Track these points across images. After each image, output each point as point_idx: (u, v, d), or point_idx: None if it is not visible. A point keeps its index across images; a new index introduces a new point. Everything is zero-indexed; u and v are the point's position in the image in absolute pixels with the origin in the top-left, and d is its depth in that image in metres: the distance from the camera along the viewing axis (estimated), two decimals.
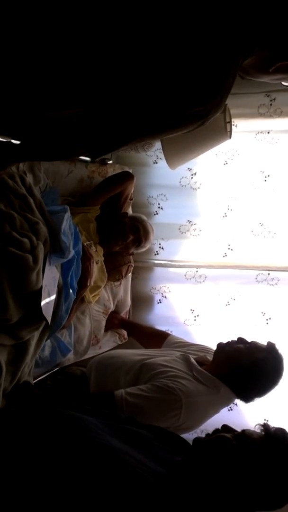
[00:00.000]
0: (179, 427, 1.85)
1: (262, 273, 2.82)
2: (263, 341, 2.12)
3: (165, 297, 2.97)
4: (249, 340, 2.11)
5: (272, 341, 2.11)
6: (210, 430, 1.43)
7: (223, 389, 1.97)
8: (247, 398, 2.08)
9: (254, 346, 2.06)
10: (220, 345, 2.10)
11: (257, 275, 2.83)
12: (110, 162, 2.66)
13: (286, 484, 1.29)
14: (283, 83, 1.18)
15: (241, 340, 2.10)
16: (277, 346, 2.09)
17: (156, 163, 2.86)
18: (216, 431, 1.40)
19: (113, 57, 1.00)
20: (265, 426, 1.35)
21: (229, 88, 1.11)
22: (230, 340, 2.12)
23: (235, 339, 2.12)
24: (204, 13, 1.02)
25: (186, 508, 1.20)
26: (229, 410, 2.82)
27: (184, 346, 2.36)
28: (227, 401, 2.08)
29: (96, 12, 0.98)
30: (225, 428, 1.40)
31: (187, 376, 1.94)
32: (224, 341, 2.13)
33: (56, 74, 1.02)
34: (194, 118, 1.10)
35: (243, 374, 1.98)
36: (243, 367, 1.98)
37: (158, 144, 2.56)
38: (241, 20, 1.05)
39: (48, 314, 1.71)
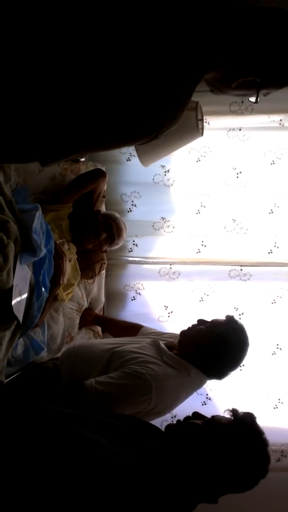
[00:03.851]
0: (151, 411, 1.87)
1: (234, 269, 2.86)
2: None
3: (139, 294, 2.98)
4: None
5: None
6: (182, 418, 1.46)
7: (193, 371, 1.99)
8: (220, 374, 2.10)
9: (213, 323, 2.09)
10: (182, 332, 2.14)
11: (230, 271, 2.86)
12: (83, 159, 2.65)
13: (255, 466, 1.34)
14: (250, 99, 1.19)
15: (201, 321, 2.13)
16: (236, 317, 2.14)
17: (129, 160, 2.86)
18: (187, 418, 1.43)
19: (68, 66, 0.98)
20: (234, 411, 1.40)
21: (185, 101, 1.09)
22: (191, 325, 2.15)
23: (195, 322, 2.15)
24: (160, 28, 1.01)
25: (159, 494, 1.22)
26: (202, 404, 2.87)
27: (157, 335, 2.38)
28: (198, 384, 2.10)
29: (56, 22, 0.97)
30: (196, 415, 1.43)
31: (156, 361, 1.95)
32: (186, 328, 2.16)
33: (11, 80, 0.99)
34: (146, 131, 1.08)
35: (209, 352, 2.00)
36: (207, 346, 2.01)
37: None
38: (200, 36, 1.05)
39: (19, 313, 1.71)
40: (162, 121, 1.07)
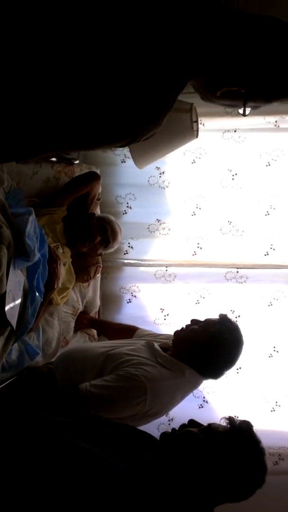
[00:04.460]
0: (147, 413, 1.86)
1: (231, 271, 2.85)
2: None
3: (135, 296, 2.97)
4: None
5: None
6: (177, 426, 1.44)
7: (188, 371, 1.99)
8: (215, 374, 2.10)
9: (207, 322, 2.08)
10: (176, 333, 2.12)
11: (226, 273, 2.85)
12: (77, 162, 2.63)
13: (252, 476, 1.32)
14: (239, 111, 1.15)
15: (194, 321, 2.12)
16: (230, 316, 2.13)
17: (124, 162, 2.84)
18: (183, 426, 1.41)
19: (44, 67, 0.95)
20: (230, 419, 1.38)
21: (168, 104, 1.07)
22: (184, 325, 2.13)
23: (189, 322, 2.13)
24: (143, 29, 0.98)
25: (155, 504, 1.20)
26: (199, 407, 2.85)
27: (153, 337, 2.37)
28: (194, 384, 2.10)
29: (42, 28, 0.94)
30: (192, 423, 1.42)
31: (150, 362, 1.94)
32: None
33: None
34: (124, 134, 1.06)
35: (203, 352, 1.99)
36: (202, 345, 2.00)
37: None
38: (184, 39, 1.02)
39: (13, 319, 1.69)
40: (142, 124, 1.04)
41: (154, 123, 1.07)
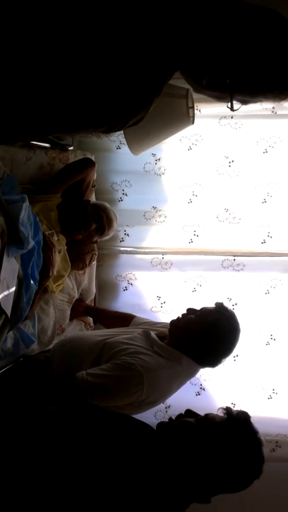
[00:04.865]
0: (144, 402, 1.87)
1: (227, 259, 2.84)
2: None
3: (131, 284, 2.95)
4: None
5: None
6: (174, 413, 1.44)
7: (185, 360, 1.99)
8: (213, 362, 2.10)
9: (203, 311, 2.09)
10: (172, 322, 2.13)
11: (222, 261, 2.84)
12: (71, 148, 2.60)
13: (249, 466, 1.32)
14: (227, 106, 1.11)
15: (190, 310, 2.12)
16: (226, 304, 2.14)
17: (119, 148, 2.81)
18: (180, 416, 1.41)
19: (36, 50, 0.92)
20: (228, 410, 1.39)
21: (155, 90, 1.03)
22: (180, 314, 2.13)
23: (185, 311, 2.13)
24: (128, 16, 0.96)
25: (151, 493, 1.21)
26: (196, 394, 2.85)
27: (150, 325, 2.37)
28: (191, 372, 2.10)
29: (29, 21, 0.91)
30: (189, 412, 1.42)
31: (147, 351, 1.95)
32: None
33: None
34: (102, 120, 1.04)
35: (201, 341, 2.00)
36: (199, 335, 2.00)
37: None
38: (169, 27, 1.00)
39: (7, 307, 1.68)
40: (121, 111, 1.02)
41: (136, 111, 1.04)
